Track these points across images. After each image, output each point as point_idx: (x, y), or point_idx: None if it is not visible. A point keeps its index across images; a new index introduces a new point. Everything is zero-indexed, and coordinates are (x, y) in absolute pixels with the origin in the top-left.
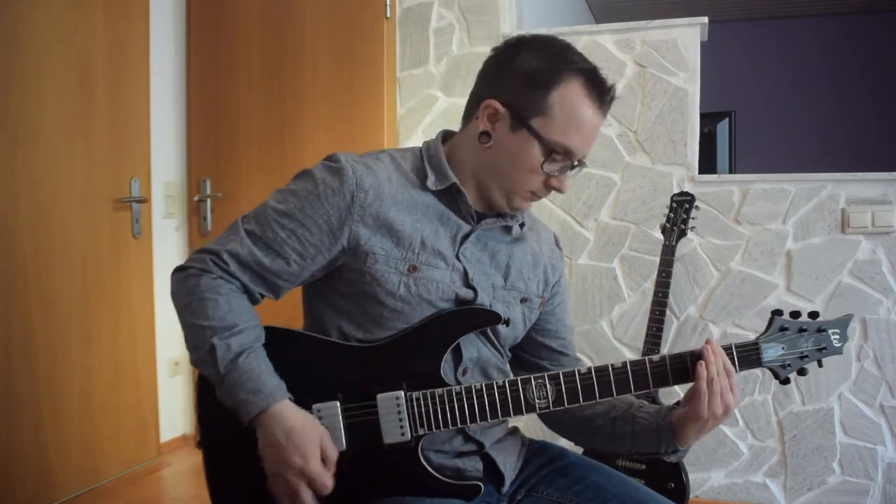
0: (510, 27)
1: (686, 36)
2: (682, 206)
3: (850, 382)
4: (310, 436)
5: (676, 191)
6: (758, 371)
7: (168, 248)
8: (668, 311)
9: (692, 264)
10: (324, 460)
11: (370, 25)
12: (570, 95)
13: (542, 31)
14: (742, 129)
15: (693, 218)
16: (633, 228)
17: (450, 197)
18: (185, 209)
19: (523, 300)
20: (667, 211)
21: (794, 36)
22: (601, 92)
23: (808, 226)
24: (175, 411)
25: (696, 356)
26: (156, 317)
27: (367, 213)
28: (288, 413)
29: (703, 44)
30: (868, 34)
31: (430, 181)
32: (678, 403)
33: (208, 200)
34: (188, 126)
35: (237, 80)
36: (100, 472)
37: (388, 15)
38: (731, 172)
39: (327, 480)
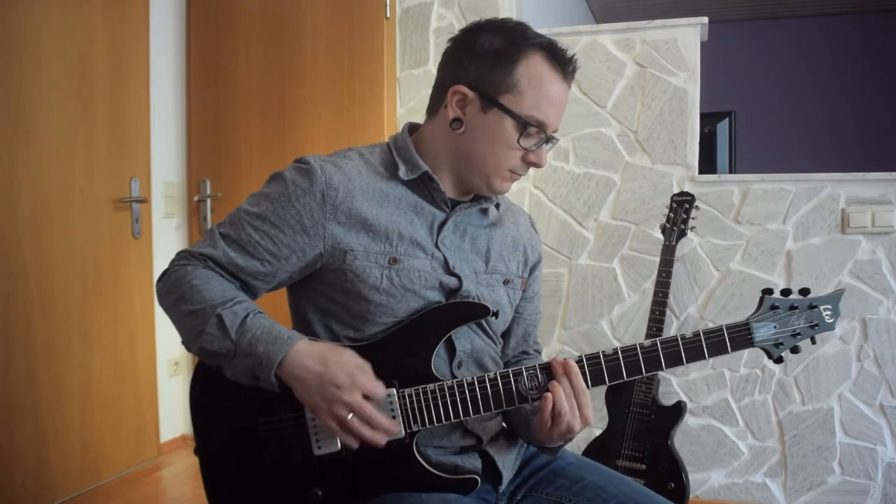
0: None
1: (686, 36)
2: (682, 206)
3: (850, 382)
4: (343, 353)
5: (676, 191)
6: (757, 371)
7: (168, 248)
8: (668, 311)
9: (692, 264)
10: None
11: (370, 25)
12: (535, 69)
13: (542, 31)
14: (742, 129)
15: (693, 218)
16: (633, 228)
17: (422, 186)
18: (185, 209)
19: (506, 282)
20: (667, 211)
21: (795, 36)
22: (563, 63)
23: (808, 226)
24: (175, 411)
25: (689, 340)
26: (156, 317)
27: (340, 210)
28: (311, 346)
29: (703, 44)
30: (868, 34)
31: (402, 171)
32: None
33: (208, 200)
34: (188, 126)
35: (237, 80)
36: (100, 472)
37: (388, 15)
38: (731, 172)
39: (378, 386)
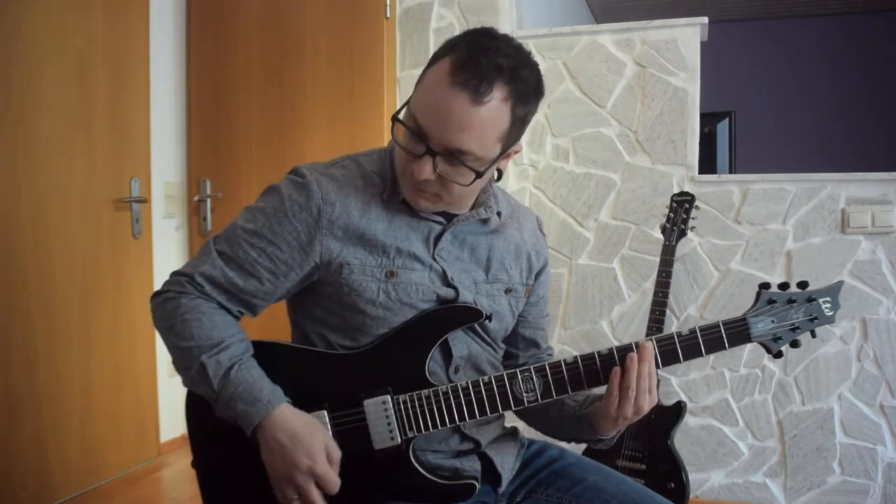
0: (510, 27)
1: (686, 36)
2: (682, 206)
3: (850, 382)
4: (314, 436)
5: (676, 191)
6: (757, 371)
7: (168, 248)
8: (668, 311)
9: (692, 264)
10: (329, 461)
11: (370, 25)
12: (437, 70)
13: (542, 31)
14: (742, 129)
15: (693, 218)
16: (633, 228)
17: None
18: (185, 209)
19: (508, 291)
20: (667, 211)
21: (794, 36)
22: (463, 70)
23: (808, 226)
24: (175, 411)
25: (685, 337)
26: None
27: (336, 225)
28: (289, 416)
29: (703, 44)
30: (868, 34)
31: (385, 194)
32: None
33: (208, 200)
34: (188, 126)
35: (237, 80)
36: (100, 472)
37: (388, 15)
38: (731, 172)
39: (335, 479)
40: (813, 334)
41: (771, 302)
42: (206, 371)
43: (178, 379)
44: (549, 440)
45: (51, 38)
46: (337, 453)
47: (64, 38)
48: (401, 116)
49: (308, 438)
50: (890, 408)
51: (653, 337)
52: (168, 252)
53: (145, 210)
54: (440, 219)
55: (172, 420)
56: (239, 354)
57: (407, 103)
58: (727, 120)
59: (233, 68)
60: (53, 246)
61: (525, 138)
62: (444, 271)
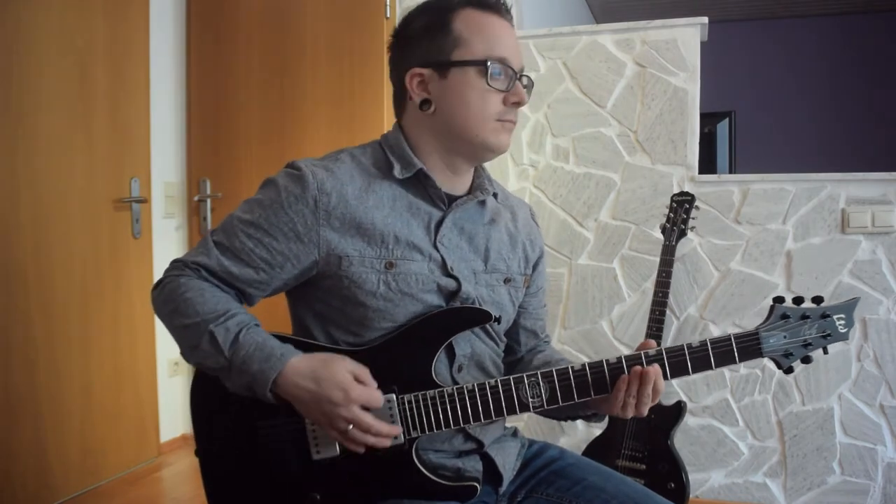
0: None
1: (686, 36)
2: (682, 206)
3: (850, 382)
4: (335, 366)
5: (676, 191)
6: (757, 371)
7: (168, 248)
8: (668, 311)
9: (692, 264)
10: (359, 381)
11: (370, 25)
12: (469, 19)
13: (542, 31)
14: (742, 129)
15: (693, 218)
16: (633, 228)
17: (417, 184)
18: (185, 209)
19: (506, 280)
20: (667, 211)
21: (794, 36)
22: (492, 4)
23: (808, 226)
24: (175, 411)
25: (695, 350)
26: (155, 317)
27: (333, 216)
28: (305, 362)
29: (703, 44)
30: (868, 34)
31: (397, 170)
32: None
33: (208, 200)
34: (188, 126)
35: (237, 80)
36: (100, 472)
37: (388, 15)
38: (731, 172)
39: (375, 394)
40: (825, 351)
41: (784, 317)
42: (215, 339)
43: (178, 379)
44: (549, 440)
45: (51, 38)
46: (363, 370)
47: (64, 38)
48: (477, 65)
49: (331, 372)
50: (890, 408)
51: (663, 348)
52: (168, 252)
53: (145, 210)
54: (442, 204)
55: (172, 420)
56: (247, 321)
57: (462, 62)
58: (727, 120)
59: (233, 68)
60: (53, 246)
61: (524, 138)
62: (443, 260)
